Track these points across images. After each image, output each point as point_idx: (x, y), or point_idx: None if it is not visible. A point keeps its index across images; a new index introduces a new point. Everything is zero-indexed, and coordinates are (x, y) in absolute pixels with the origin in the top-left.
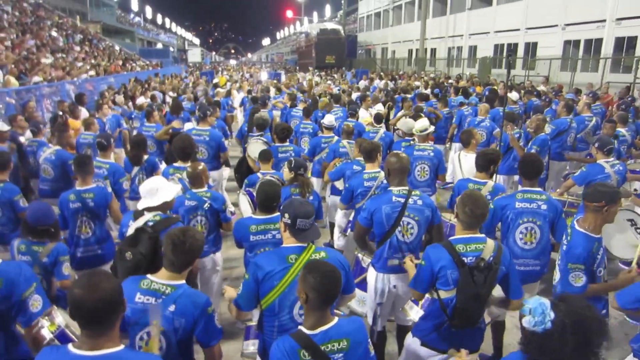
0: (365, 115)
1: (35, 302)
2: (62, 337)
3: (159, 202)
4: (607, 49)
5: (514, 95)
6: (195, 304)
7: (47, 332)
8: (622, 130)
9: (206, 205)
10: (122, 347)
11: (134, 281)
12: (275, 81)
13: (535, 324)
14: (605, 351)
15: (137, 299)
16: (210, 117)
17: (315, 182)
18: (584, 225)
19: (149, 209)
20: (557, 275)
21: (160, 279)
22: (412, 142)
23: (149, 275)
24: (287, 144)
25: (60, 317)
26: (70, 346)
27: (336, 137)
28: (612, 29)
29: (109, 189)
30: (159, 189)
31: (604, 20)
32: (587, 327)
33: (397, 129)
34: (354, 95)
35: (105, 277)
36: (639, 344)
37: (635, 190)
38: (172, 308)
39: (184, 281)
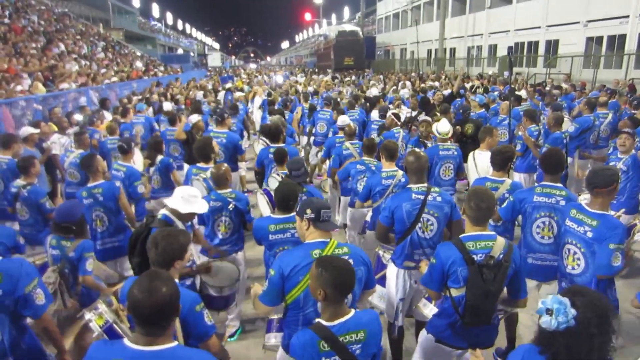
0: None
1: (40, 296)
2: (110, 331)
3: (187, 210)
4: (631, 45)
5: (522, 93)
6: (181, 302)
7: (95, 326)
8: None
9: (231, 206)
10: (175, 343)
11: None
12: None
13: (559, 324)
14: (615, 338)
15: None
16: (228, 120)
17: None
18: (601, 210)
19: (173, 212)
20: (579, 263)
21: None
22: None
23: None
24: (281, 144)
25: (109, 313)
26: (125, 341)
27: None
28: (636, 25)
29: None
30: (195, 200)
31: (628, 16)
32: (607, 316)
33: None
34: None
35: (166, 281)
36: None
37: None
38: None
39: (175, 279)
